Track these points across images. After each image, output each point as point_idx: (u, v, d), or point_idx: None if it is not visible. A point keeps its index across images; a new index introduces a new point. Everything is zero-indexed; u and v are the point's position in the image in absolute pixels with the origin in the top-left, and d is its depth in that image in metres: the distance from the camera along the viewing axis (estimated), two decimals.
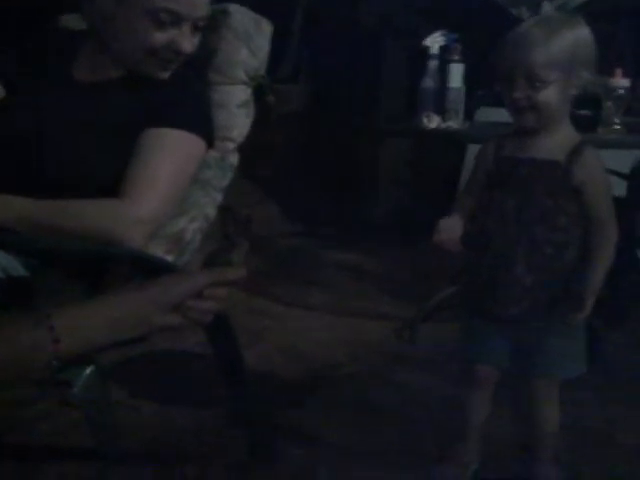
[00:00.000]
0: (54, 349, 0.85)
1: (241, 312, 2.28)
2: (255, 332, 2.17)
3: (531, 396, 1.40)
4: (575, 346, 1.37)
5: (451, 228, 1.33)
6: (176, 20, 1.28)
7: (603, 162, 1.33)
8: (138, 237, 1.20)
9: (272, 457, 1.49)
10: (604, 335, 2.00)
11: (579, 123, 1.38)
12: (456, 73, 2.21)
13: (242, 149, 1.50)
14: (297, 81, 3.40)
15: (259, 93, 1.51)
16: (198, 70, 1.41)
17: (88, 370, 1.05)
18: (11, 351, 0.84)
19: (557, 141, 1.31)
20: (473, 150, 1.85)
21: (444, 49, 2.27)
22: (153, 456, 1.54)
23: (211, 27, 1.42)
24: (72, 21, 1.53)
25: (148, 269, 1.14)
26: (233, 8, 1.50)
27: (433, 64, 2.26)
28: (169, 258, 1.33)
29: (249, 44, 1.48)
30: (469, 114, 2.31)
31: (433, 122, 2.15)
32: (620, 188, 2.18)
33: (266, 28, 1.51)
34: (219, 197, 1.46)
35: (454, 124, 2.18)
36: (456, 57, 2.23)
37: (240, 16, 1.49)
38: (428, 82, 2.23)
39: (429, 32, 2.32)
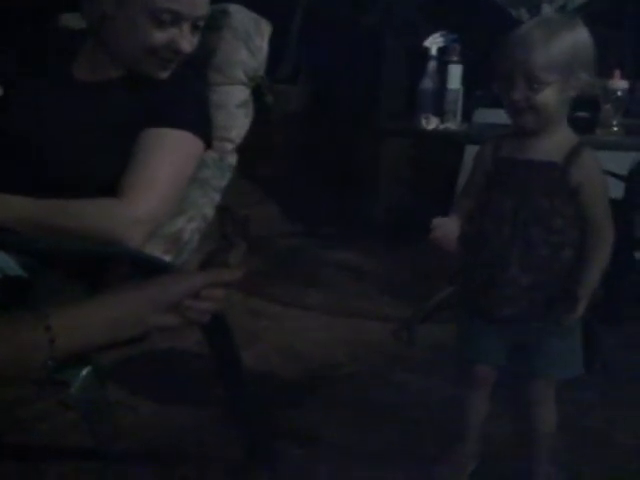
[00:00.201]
0: (51, 349, 0.85)
1: (239, 312, 2.29)
2: (253, 332, 2.17)
3: (529, 396, 1.41)
4: (572, 347, 1.37)
5: (447, 226, 1.34)
6: (176, 20, 1.28)
7: (601, 164, 1.33)
8: (137, 237, 1.20)
9: (271, 457, 1.49)
10: (603, 336, 2.00)
11: (577, 125, 1.38)
12: (455, 74, 2.21)
13: (241, 149, 1.50)
14: (297, 81, 3.40)
15: (258, 93, 1.51)
16: (197, 70, 1.41)
17: (86, 370, 1.05)
18: (7, 350, 0.84)
19: (555, 143, 1.31)
20: (471, 151, 1.85)
21: (443, 50, 2.27)
22: (152, 456, 1.54)
23: (211, 27, 1.42)
24: (72, 20, 1.53)
25: (146, 269, 1.14)
26: (233, 8, 1.50)
27: (432, 65, 2.26)
28: (167, 258, 1.33)
29: (249, 44, 1.48)
30: (467, 115, 2.32)
31: (432, 123, 2.15)
32: (618, 190, 2.19)
33: (266, 28, 1.51)
34: (217, 197, 1.46)
35: (452, 125, 2.18)
36: (455, 58, 2.23)
37: (240, 16, 1.49)
38: (427, 83, 2.24)
39: (429, 33, 2.32)
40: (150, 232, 1.24)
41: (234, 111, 1.47)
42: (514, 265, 1.31)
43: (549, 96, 1.26)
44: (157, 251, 1.32)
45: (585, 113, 2.00)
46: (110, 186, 1.24)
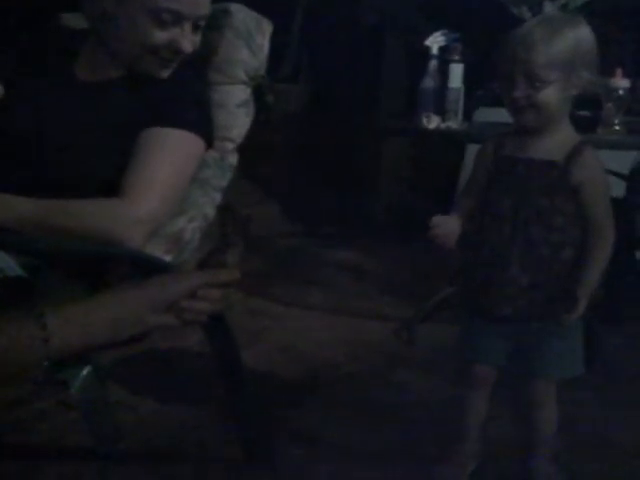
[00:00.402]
0: (46, 347, 0.85)
1: (240, 312, 2.28)
2: (254, 332, 2.17)
3: (529, 396, 1.40)
4: (572, 346, 1.37)
5: (447, 224, 1.33)
6: (177, 19, 1.27)
7: (602, 162, 1.33)
8: (137, 237, 1.20)
9: (271, 457, 1.49)
10: (603, 336, 2.00)
11: (579, 123, 1.38)
12: (456, 73, 2.21)
13: (242, 149, 1.50)
14: (297, 81, 3.40)
15: (259, 93, 1.51)
16: (198, 69, 1.41)
17: (85, 370, 1.05)
18: (3, 349, 0.84)
19: (556, 141, 1.31)
20: (472, 150, 1.85)
21: (444, 49, 2.27)
22: (152, 456, 1.54)
23: (212, 26, 1.42)
24: (73, 20, 1.52)
25: (147, 269, 1.14)
26: (234, 7, 1.50)
27: (433, 64, 2.26)
28: (168, 258, 1.33)
29: (250, 44, 1.48)
30: (468, 114, 2.31)
31: (433, 122, 2.15)
32: (619, 189, 2.19)
33: (267, 28, 1.51)
34: (218, 197, 1.46)
35: (453, 124, 2.18)
36: (456, 57, 2.23)
37: (241, 15, 1.49)
38: (428, 82, 2.23)
39: (430, 32, 2.32)
40: (151, 232, 1.24)
41: (235, 110, 1.47)
42: (514, 264, 1.31)
43: (551, 95, 1.26)
44: (158, 251, 1.31)
45: (587, 112, 2.00)
46: (111, 186, 1.23)
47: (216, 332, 1.25)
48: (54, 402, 1.61)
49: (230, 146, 1.47)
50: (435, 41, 2.27)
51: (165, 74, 1.33)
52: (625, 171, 2.27)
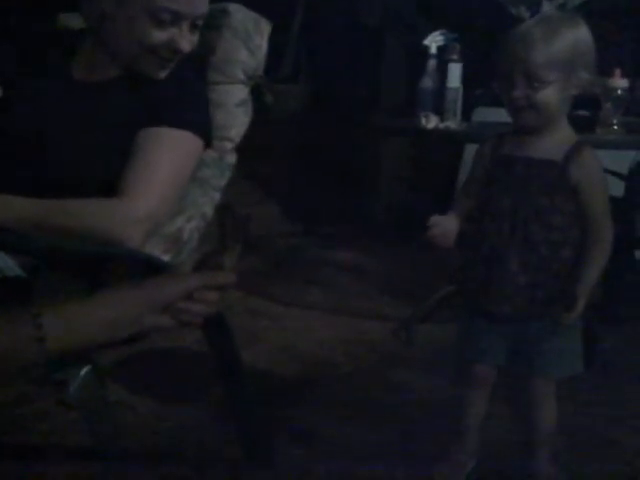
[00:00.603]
0: (42, 347, 0.85)
1: (240, 312, 2.28)
2: (254, 332, 2.17)
3: (528, 395, 1.40)
4: (571, 346, 1.37)
5: (445, 224, 1.34)
6: (176, 19, 1.27)
7: (601, 162, 1.33)
8: (136, 236, 1.20)
9: (270, 457, 1.49)
10: (602, 335, 2.00)
11: (578, 123, 1.38)
12: (454, 73, 2.21)
13: (241, 149, 1.50)
14: (297, 81, 3.40)
15: (257, 93, 1.51)
16: (197, 69, 1.41)
17: (84, 370, 1.05)
18: None
19: (555, 141, 1.31)
20: (471, 150, 1.85)
21: (443, 49, 2.27)
22: (152, 455, 1.54)
23: (210, 26, 1.42)
24: (71, 20, 1.52)
25: (146, 269, 1.14)
26: (233, 7, 1.50)
27: (432, 64, 2.26)
28: (167, 257, 1.33)
29: (248, 43, 1.48)
30: (467, 114, 2.31)
31: (431, 122, 2.15)
32: (618, 189, 2.19)
33: (265, 28, 1.51)
34: (217, 196, 1.46)
35: (452, 124, 2.18)
36: (455, 57, 2.23)
37: (240, 15, 1.49)
38: (426, 82, 2.24)
39: (429, 31, 2.32)
40: (149, 231, 1.24)
41: (233, 110, 1.47)
42: (513, 263, 1.31)
43: (550, 94, 1.26)
44: (157, 250, 1.31)
45: (585, 112, 2.00)
46: (109, 186, 1.23)
47: (215, 332, 1.25)
48: (54, 402, 1.61)
49: (229, 146, 1.47)
50: (434, 41, 2.28)
51: (163, 74, 1.33)
52: (624, 171, 2.27)
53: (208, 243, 1.56)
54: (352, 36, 3.29)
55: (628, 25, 2.88)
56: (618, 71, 2.11)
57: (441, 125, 2.16)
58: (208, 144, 1.36)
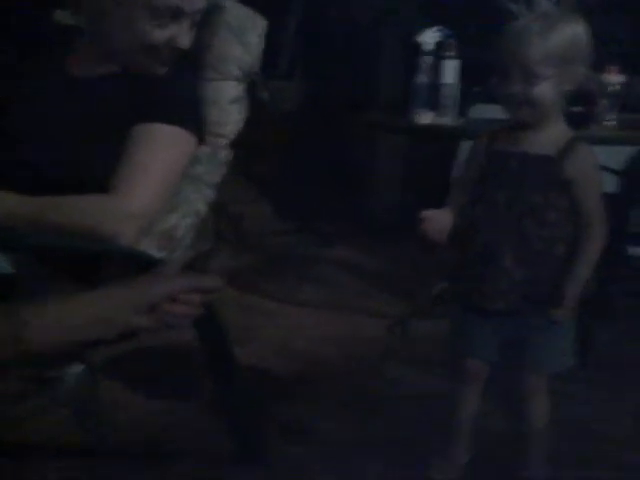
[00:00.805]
0: (23, 345, 0.84)
1: (233, 309, 2.27)
2: (247, 329, 2.17)
3: (521, 390, 1.41)
4: (564, 341, 1.37)
5: (437, 218, 1.33)
6: (176, 15, 1.26)
7: (596, 158, 1.33)
8: (129, 233, 1.19)
9: (265, 453, 1.49)
10: (595, 330, 2.00)
11: (573, 119, 1.38)
12: (450, 69, 2.20)
13: (236, 146, 1.49)
14: (292, 78, 3.39)
15: (253, 90, 1.50)
16: (191, 65, 1.40)
17: (76, 368, 1.04)
18: None
19: (550, 136, 1.31)
20: (466, 147, 1.84)
21: (439, 45, 2.26)
22: (146, 452, 1.53)
23: (205, 22, 1.41)
24: (66, 16, 1.51)
25: (139, 265, 1.13)
26: (227, 3, 1.49)
27: (427, 60, 2.25)
28: (161, 254, 1.32)
29: (243, 40, 1.47)
30: (464, 111, 2.31)
31: (427, 118, 2.14)
32: (613, 184, 2.18)
33: (260, 24, 1.50)
34: (210, 193, 1.45)
35: (448, 120, 2.18)
36: (451, 53, 2.22)
37: (234, 12, 1.48)
38: (422, 78, 2.23)
39: (425, 28, 2.31)
40: (142, 228, 1.23)
41: (227, 107, 1.46)
42: (507, 259, 1.31)
43: (546, 90, 1.26)
44: (151, 247, 1.31)
45: (581, 108, 2.00)
46: (103, 182, 1.23)
47: (208, 330, 1.24)
48: (47, 400, 1.60)
49: (223, 142, 1.46)
50: (430, 37, 2.27)
51: (162, 70, 1.32)
52: (618, 167, 2.27)
53: (202, 241, 1.56)
54: (348, 33, 3.28)
55: (624, 21, 2.88)
56: (614, 67, 2.11)
57: (436, 121, 2.16)
58: (201, 141, 1.35)
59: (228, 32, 1.46)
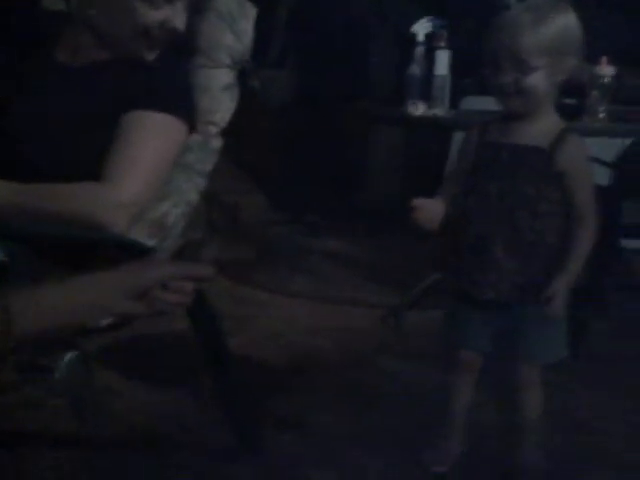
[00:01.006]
0: (9, 330, 0.84)
1: (226, 300, 2.27)
2: (240, 320, 2.17)
3: (513, 381, 1.41)
4: (556, 332, 1.37)
5: (429, 207, 1.33)
6: None
7: (587, 149, 1.33)
8: (120, 221, 1.19)
9: (259, 443, 1.49)
10: (588, 322, 2.01)
11: (564, 111, 1.38)
12: (442, 60, 2.21)
13: (228, 136, 1.49)
14: (284, 67, 3.38)
15: (244, 78, 1.50)
16: (181, 53, 1.39)
17: (69, 356, 1.04)
18: None
19: (541, 128, 1.31)
20: (459, 138, 1.85)
21: (431, 36, 2.26)
22: (141, 442, 1.53)
23: (195, 9, 1.40)
24: (55, 1, 1.50)
25: (130, 253, 1.13)
26: None
27: (419, 51, 2.25)
28: (152, 242, 1.32)
29: (233, 27, 1.46)
30: (455, 102, 2.31)
31: (419, 109, 2.14)
32: (604, 177, 2.19)
33: (251, 11, 1.49)
34: (202, 182, 1.45)
35: (440, 111, 2.18)
36: (442, 44, 2.22)
37: None
38: (414, 69, 2.23)
39: (417, 18, 2.31)
40: (134, 216, 1.23)
41: (218, 95, 1.45)
42: (499, 250, 1.32)
43: (538, 79, 1.26)
44: (142, 235, 1.30)
45: (572, 100, 2.00)
46: (93, 170, 1.22)
47: (201, 320, 1.25)
48: (43, 390, 1.60)
49: (214, 130, 1.46)
50: (421, 28, 2.27)
51: (152, 56, 1.31)
52: (610, 159, 2.28)
53: (194, 230, 1.56)
54: (339, 22, 3.27)
55: (616, 12, 2.89)
56: (605, 59, 2.11)
57: (429, 112, 2.16)
58: (192, 128, 1.35)
59: (218, 19, 1.45)
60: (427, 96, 2.20)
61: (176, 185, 1.39)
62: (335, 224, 3.11)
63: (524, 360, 1.38)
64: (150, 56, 1.31)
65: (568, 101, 1.94)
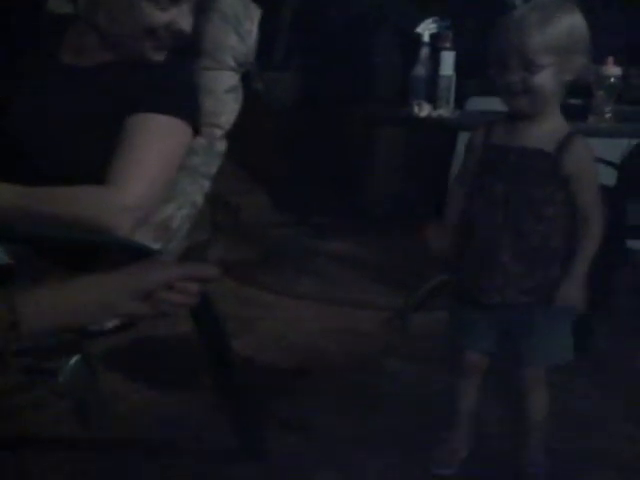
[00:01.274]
0: (15, 331, 0.84)
1: (231, 301, 2.27)
2: (245, 321, 2.16)
3: (519, 383, 1.41)
4: (562, 334, 1.37)
5: (434, 235, 1.36)
6: None
7: (593, 152, 1.33)
8: (125, 224, 1.18)
9: (262, 445, 1.49)
10: (593, 324, 2.00)
11: (570, 112, 1.38)
12: (447, 61, 2.20)
13: (232, 138, 1.48)
14: (288, 69, 3.38)
15: (248, 80, 1.50)
16: (185, 55, 1.39)
17: (74, 359, 1.04)
18: None
19: (547, 130, 1.31)
20: (464, 139, 1.84)
21: (436, 36, 2.25)
22: (145, 444, 1.53)
23: (199, 10, 1.40)
24: (61, 4, 1.50)
25: (135, 257, 1.13)
26: None
27: (424, 52, 2.25)
28: (157, 245, 1.32)
29: (238, 29, 1.46)
30: (460, 102, 2.30)
31: (424, 110, 2.14)
32: (610, 177, 2.19)
33: (255, 13, 1.49)
34: (206, 184, 1.45)
35: (445, 112, 2.17)
36: (447, 45, 2.21)
37: (229, 0, 1.47)
38: (419, 70, 2.22)
39: (422, 19, 2.31)
40: (139, 219, 1.22)
41: (223, 97, 1.45)
42: (505, 252, 1.31)
43: (545, 79, 1.26)
44: (147, 238, 1.30)
45: (578, 100, 1.99)
46: (98, 173, 1.22)
47: (205, 321, 1.24)
48: (46, 391, 1.60)
49: (218, 132, 1.45)
50: (426, 28, 2.26)
51: (159, 57, 1.31)
52: (616, 159, 2.27)
53: (199, 232, 1.56)
54: (344, 24, 3.27)
55: (622, 12, 2.88)
56: (611, 59, 2.10)
57: (434, 113, 2.15)
58: (197, 131, 1.35)
59: (222, 20, 1.45)
60: (432, 97, 2.19)
61: (181, 187, 1.38)
62: (340, 225, 3.10)
63: (529, 362, 1.38)
64: (157, 58, 1.31)
65: (574, 101, 1.93)
